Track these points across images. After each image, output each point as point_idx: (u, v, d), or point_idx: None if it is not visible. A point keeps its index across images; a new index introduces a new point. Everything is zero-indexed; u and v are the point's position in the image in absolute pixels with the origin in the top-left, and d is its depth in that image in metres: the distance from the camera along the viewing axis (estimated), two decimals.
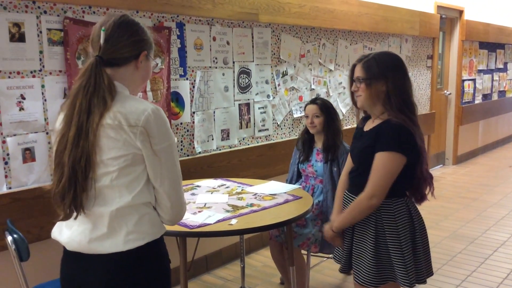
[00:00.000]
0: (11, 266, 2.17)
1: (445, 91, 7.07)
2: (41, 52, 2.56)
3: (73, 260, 1.49)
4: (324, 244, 2.88)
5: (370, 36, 5.09)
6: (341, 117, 4.77)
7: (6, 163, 2.47)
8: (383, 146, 1.95)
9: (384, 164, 1.94)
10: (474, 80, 7.49)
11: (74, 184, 1.38)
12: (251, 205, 2.59)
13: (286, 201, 2.66)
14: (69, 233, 1.48)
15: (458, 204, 5.21)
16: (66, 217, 1.43)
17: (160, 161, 1.43)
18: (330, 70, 4.60)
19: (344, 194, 2.20)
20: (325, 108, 3.01)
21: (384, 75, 1.99)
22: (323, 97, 4.51)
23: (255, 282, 3.36)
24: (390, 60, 2.05)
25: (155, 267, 1.51)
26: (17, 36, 2.46)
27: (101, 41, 1.41)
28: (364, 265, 2.03)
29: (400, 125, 1.96)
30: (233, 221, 2.30)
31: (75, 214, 1.42)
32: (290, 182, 3.15)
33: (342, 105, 4.81)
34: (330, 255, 3.34)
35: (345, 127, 4.84)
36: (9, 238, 2.07)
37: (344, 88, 4.79)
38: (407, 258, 1.99)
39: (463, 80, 7.17)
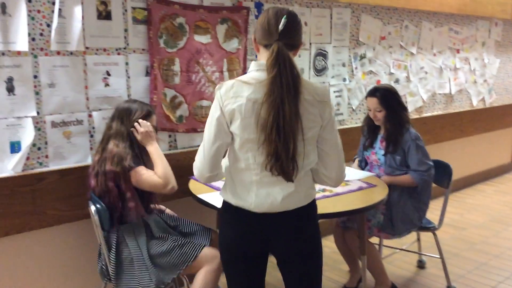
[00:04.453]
0: (93, 233, 2.30)
1: None
2: (125, 30, 2.64)
3: (260, 220, 1.70)
4: (387, 227, 2.78)
5: (457, 19, 4.79)
6: (420, 104, 4.56)
7: (91, 136, 2.60)
8: None
9: None
10: None
11: (296, 150, 1.59)
12: (323, 190, 2.55)
13: (360, 189, 2.59)
14: (252, 198, 1.68)
15: None
16: (290, 180, 1.63)
17: (333, 128, 1.70)
18: (412, 54, 4.38)
19: None
20: (385, 102, 2.81)
21: None
22: (403, 82, 4.34)
23: (323, 268, 3.32)
24: None
25: (317, 212, 1.85)
26: (104, 14, 2.56)
27: (281, 27, 1.59)
28: None
29: None
30: None
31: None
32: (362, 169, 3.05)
33: (423, 91, 4.58)
34: (403, 247, 3.24)
35: (424, 115, 4.63)
36: (93, 208, 2.19)
37: (426, 73, 4.56)
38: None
39: None
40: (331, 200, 2.40)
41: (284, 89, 1.55)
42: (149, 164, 2.29)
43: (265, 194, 1.67)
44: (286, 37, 1.61)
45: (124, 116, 2.28)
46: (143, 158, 2.28)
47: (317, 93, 1.64)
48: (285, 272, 1.84)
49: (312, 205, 1.78)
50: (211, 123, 1.66)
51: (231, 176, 1.74)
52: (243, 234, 1.75)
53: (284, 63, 1.57)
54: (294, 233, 1.74)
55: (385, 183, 2.73)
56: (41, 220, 2.45)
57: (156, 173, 2.22)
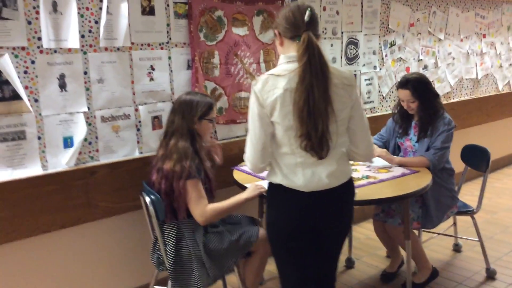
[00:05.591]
0: (143, 224, 2.36)
1: None
2: (168, 25, 2.69)
3: (310, 198, 1.80)
4: (426, 220, 2.81)
5: (483, 3, 4.77)
6: (448, 89, 4.57)
7: (138, 129, 2.66)
8: None
9: None
10: None
11: (327, 129, 1.70)
12: (367, 177, 2.59)
13: (403, 175, 2.63)
14: (300, 179, 1.78)
15: None
16: (320, 158, 1.75)
17: (360, 107, 1.83)
18: (440, 40, 4.38)
19: None
20: (418, 93, 2.79)
21: None
22: (432, 68, 4.34)
23: (360, 254, 3.39)
24: None
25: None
26: (148, 10, 2.60)
27: (307, 18, 1.71)
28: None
29: None
30: None
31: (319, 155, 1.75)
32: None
33: (451, 77, 4.58)
34: (440, 231, 3.28)
35: (452, 100, 4.64)
36: (147, 199, 2.24)
37: (454, 58, 4.56)
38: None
39: None
40: (377, 186, 2.45)
41: (314, 75, 1.66)
42: (206, 160, 2.31)
43: (310, 174, 1.78)
44: (311, 27, 1.72)
45: (185, 110, 2.27)
46: (201, 156, 2.27)
47: (345, 77, 1.77)
48: (319, 248, 1.90)
49: (351, 181, 1.91)
50: (254, 119, 1.77)
51: (277, 161, 1.83)
52: (295, 214, 1.83)
53: (313, 50, 1.67)
54: (338, 210, 1.87)
55: (396, 164, 2.79)
56: (94, 212, 2.52)
57: (208, 205, 2.22)
